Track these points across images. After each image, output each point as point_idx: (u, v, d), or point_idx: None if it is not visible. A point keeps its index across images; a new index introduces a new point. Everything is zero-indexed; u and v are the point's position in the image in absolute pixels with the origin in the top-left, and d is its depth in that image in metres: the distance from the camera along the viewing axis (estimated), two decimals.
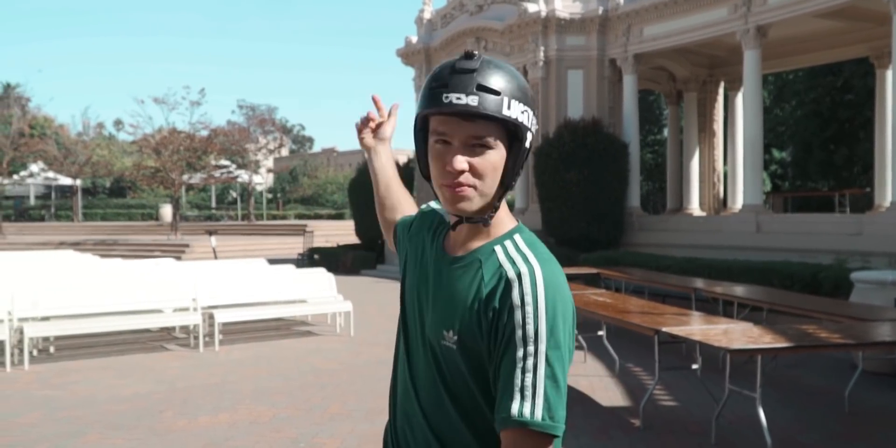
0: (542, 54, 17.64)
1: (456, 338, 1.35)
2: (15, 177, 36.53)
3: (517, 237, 1.42)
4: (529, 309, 1.29)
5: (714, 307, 8.71)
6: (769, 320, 7.72)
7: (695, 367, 5.95)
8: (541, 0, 17.55)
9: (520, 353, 1.27)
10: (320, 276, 10.21)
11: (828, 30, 16.06)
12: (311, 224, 31.11)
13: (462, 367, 1.35)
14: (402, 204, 1.87)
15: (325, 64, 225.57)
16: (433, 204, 1.63)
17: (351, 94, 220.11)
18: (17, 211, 41.04)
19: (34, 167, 38.42)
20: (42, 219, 41.14)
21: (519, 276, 1.33)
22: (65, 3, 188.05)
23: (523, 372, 1.26)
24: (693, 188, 20.67)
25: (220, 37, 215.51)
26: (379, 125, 1.87)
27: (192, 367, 7.66)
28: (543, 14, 17.36)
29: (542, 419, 1.25)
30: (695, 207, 20.43)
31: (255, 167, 38.57)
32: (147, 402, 6.21)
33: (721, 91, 20.87)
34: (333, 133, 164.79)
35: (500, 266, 1.36)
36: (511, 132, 1.34)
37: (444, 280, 1.42)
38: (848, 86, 25.35)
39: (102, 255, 15.97)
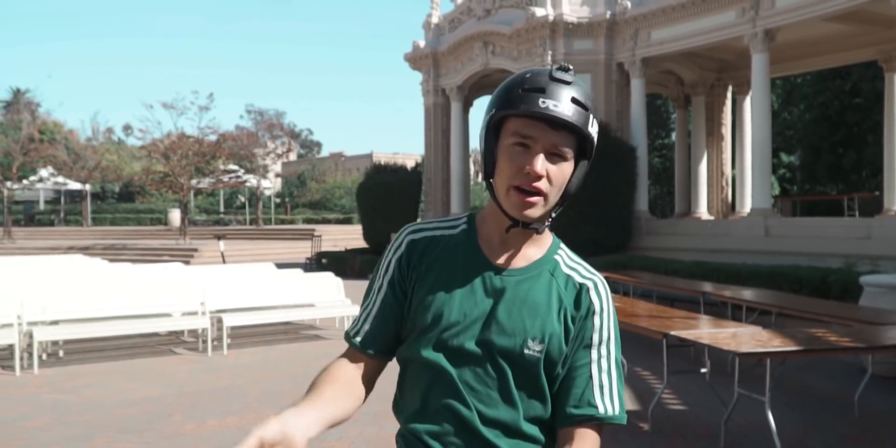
0: (549, 58, 17.66)
1: (543, 346, 1.39)
2: (24, 182, 36.70)
3: (563, 247, 1.53)
4: (605, 314, 1.45)
5: (723, 311, 8.68)
6: (778, 324, 7.69)
7: (703, 370, 5.94)
8: (548, 4, 17.58)
9: (595, 354, 1.43)
10: (328, 281, 10.22)
11: (836, 33, 16.04)
12: (320, 228, 31.16)
13: (540, 375, 1.40)
14: (356, 382, 1.48)
15: (333, 68, 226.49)
16: (411, 234, 1.50)
17: (359, 98, 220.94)
18: (27, 216, 41.26)
19: (44, 172, 38.60)
20: (51, 223, 41.33)
21: (594, 284, 1.47)
22: (72, 6, 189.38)
23: (600, 371, 1.43)
24: (701, 192, 20.63)
25: (229, 40, 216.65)
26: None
27: (201, 371, 7.68)
28: (551, 18, 17.39)
29: (619, 413, 1.42)
30: (703, 211, 20.40)
31: (263, 172, 38.72)
32: (156, 405, 6.22)
33: (729, 95, 20.85)
34: (341, 137, 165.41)
35: (568, 275, 1.47)
36: (581, 147, 1.38)
37: (515, 291, 1.42)
38: (856, 89, 25.27)
39: (111, 260, 16.03)
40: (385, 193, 21.23)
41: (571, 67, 1.39)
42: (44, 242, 29.76)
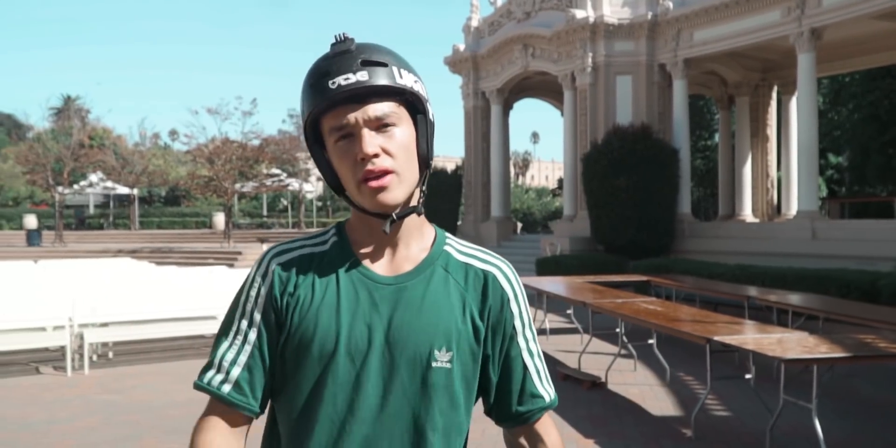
0: (590, 60, 17.57)
1: (451, 354, 1.23)
2: (75, 186, 37.55)
3: (450, 236, 1.37)
4: (520, 298, 1.33)
5: (768, 316, 8.54)
6: (825, 329, 7.54)
7: (748, 376, 5.86)
8: (589, 6, 17.50)
9: (522, 342, 1.33)
10: None
11: (885, 31, 15.66)
12: None
13: (454, 385, 1.24)
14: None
15: None
16: (276, 257, 1.29)
17: None
18: (78, 220, 42.18)
19: (93, 177, 39.40)
20: (101, 227, 42.18)
21: (500, 270, 1.33)
22: (123, 12, 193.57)
23: (531, 356, 1.34)
24: (745, 194, 20.33)
25: (271, 47, 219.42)
26: None
27: None
28: (591, 20, 17.30)
29: (555, 396, 1.37)
30: (747, 214, 20.09)
31: (305, 175, 39.06)
32: (201, 407, 6.29)
33: (774, 95, 20.51)
34: None
35: (466, 265, 1.31)
36: (411, 105, 1.23)
37: (408, 299, 1.24)
38: None
39: (158, 263, 16.36)
40: (426, 196, 21.29)
41: (349, 36, 1.21)
42: (94, 246, 30.41)
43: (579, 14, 17.42)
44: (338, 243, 1.29)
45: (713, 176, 26.39)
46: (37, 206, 46.26)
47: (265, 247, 21.56)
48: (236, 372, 1.25)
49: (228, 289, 9.46)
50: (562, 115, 20.39)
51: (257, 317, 1.25)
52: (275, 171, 37.17)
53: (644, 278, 11.37)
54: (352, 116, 1.18)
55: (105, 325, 8.48)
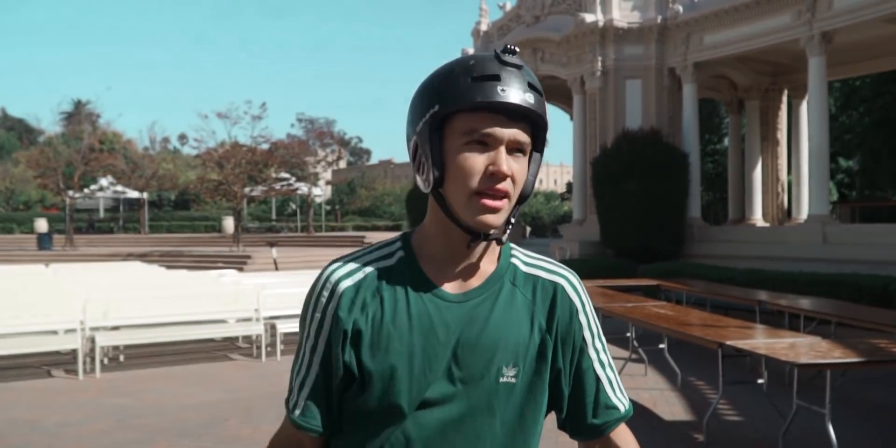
0: (599, 64, 17.56)
1: (517, 369, 1.23)
2: (86, 190, 37.74)
3: (515, 247, 1.35)
4: (588, 308, 1.33)
5: (779, 320, 8.50)
6: (838, 334, 7.50)
7: (760, 381, 5.83)
8: (598, 10, 17.49)
9: (593, 353, 1.32)
10: None
11: None
12: (369, 235, 31.38)
13: (519, 400, 1.24)
14: None
15: (382, 77, 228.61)
16: (343, 280, 1.25)
17: (407, 105, 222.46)
18: (88, 223, 42.38)
19: (104, 181, 39.59)
20: (111, 231, 42.38)
21: (568, 280, 1.32)
22: (127, 17, 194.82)
23: (603, 367, 1.32)
24: (756, 198, 20.25)
25: (281, 50, 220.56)
26: None
27: (256, 377, 7.81)
28: (601, 24, 17.29)
29: (629, 405, 1.35)
30: (758, 218, 20.01)
31: (314, 179, 39.13)
32: (213, 410, 6.35)
33: (784, 99, 20.43)
34: (390, 145, 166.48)
35: (534, 277, 1.30)
36: (534, 138, 1.22)
37: (477, 316, 1.22)
38: None
39: (168, 267, 16.40)
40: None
41: (517, 49, 1.19)
42: (104, 249, 30.51)
43: (589, 18, 17.41)
44: (404, 258, 1.27)
45: (723, 180, 26.32)
46: (47, 209, 46.52)
47: (274, 251, 21.60)
48: (304, 394, 1.25)
49: (238, 292, 9.49)
50: (571, 118, 20.37)
51: (323, 342, 1.24)
52: (284, 175, 37.26)
53: (654, 282, 11.35)
54: (500, 130, 1.16)
55: (116, 328, 8.51)
